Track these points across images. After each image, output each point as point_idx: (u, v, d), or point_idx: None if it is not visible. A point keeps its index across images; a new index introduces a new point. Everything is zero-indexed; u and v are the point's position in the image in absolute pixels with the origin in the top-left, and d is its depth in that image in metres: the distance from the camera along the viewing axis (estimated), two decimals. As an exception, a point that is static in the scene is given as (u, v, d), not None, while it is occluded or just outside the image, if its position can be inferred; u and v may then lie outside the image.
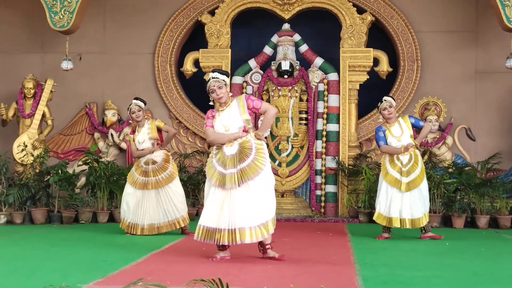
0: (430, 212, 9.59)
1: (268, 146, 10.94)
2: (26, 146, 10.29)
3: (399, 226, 7.99)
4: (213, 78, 6.11)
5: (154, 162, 8.25)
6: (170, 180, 8.25)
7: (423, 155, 10.94)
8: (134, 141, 8.35)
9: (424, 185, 8.06)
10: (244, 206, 5.89)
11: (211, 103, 6.28)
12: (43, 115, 10.80)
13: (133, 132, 8.45)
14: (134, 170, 8.36)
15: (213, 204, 5.99)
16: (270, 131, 11.06)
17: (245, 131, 6.03)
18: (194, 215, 10.48)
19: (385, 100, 8.18)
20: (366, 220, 10.29)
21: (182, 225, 8.31)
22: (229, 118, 6.06)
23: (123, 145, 11.27)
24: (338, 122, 11.05)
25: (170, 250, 6.89)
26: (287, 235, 8.38)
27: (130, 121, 11.36)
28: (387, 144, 8.07)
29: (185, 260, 6.07)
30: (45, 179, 9.99)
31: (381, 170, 8.21)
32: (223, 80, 6.10)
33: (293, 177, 11.13)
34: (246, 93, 11.12)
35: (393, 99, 8.36)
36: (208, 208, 6.00)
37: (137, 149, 8.31)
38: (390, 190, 8.02)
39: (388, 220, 8.01)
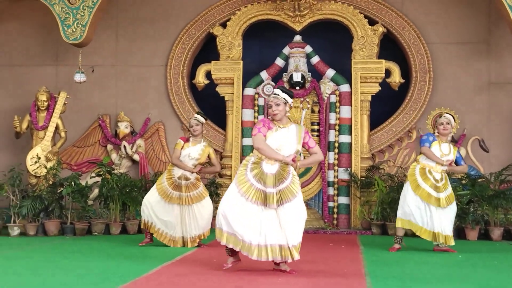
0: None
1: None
2: (39, 158, 10.34)
3: (443, 241, 7.90)
4: (274, 94, 6.13)
5: (187, 179, 8.28)
6: (200, 198, 8.28)
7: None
8: (181, 149, 8.30)
9: (453, 208, 8.01)
10: (283, 225, 5.91)
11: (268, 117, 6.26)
12: (57, 127, 10.86)
13: (187, 140, 8.41)
14: (166, 181, 8.32)
15: (247, 218, 5.92)
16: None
17: (294, 160, 6.00)
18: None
19: (444, 116, 8.15)
20: (379, 232, 10.25)
21: (198, 240, 8.33)
22: (286, 141, 6.04)
23: (136, 157, 11.31)
24: (350, 134, 11.03)
25: (182, 262, 6.88)
26: (301, 247, 8.35)
27: (142, 133, 11.43)
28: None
29: (196, 272, 6.06)
30: (58, 191, 10.02)
31: (408, 179, 8.06)
32: (284, 99, 6.07)
33: (305, 188, 11.10)
34: (258, 105, 11.15)
35: (454, 119, 8.24)
36: (240, 220, 5.92)
37: (179, 158, 8.30)
38: (419, 203, 7.91)
39: (434, 235, 7.91)
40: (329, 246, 8.60)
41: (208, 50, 11.82)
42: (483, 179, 10.18)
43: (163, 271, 6.22)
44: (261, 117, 11.12)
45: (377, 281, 5.61)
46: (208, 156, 8.46)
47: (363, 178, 10.83)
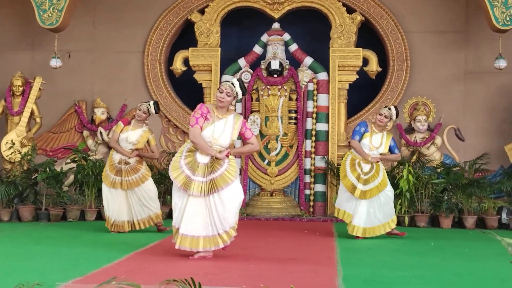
0: (417, 212, 9.69)
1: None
2: (14, 143, 10.25)
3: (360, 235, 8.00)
4: (231, 83, 6.16)
5: (126, 163, 8.28)
6: (142, 181, 8.29)
7: (412, 155, 10.97)
8: (120, 132, 8.30)
9: (384, 195, 8.02)
10: (205, 215, 6.03)
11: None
12: (32, 113, 10.76)
13: (128, 123, 8.41)
14: (108, 169, 8.34)
15: (180, 207, 6.11)
16: (260, 130, 11.04)
17: (227, 155, 6.09)
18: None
19: (388, 109, 8.21)
20: (354, 220, 10.28)
21: (155, 221, 8.37)
22: (222, 132, 6.10)
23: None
24: (328, 122, 11.04)
25: (154, 249, 6.88)
26: (274, 235, 8.40)
27: (119, 119, 11.36)
28: (359, 142, 8.08)
29: (167, 260, 6.06)
30: (33, 177, 9.98)
31: (340, 170, 8.24)
32: (236, 92, 6.12)
33: (282, 176, 11.12)
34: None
35: (397, 115, 8.31)
36: (185, 216, 6.07)
37: (117, 141, 8.29)
38: (349, 196, 8.06)
39: (370, 230, 8.02)
40: (304, 233, 8.63)
41: (186, 37, 11.75)
42: (458, 168, 10.25)
43: (135, 258, 6.21)
44: (238, 104, 11.11)
45: (348, 268, 5.64)
46: (148, 142, 8.46)
47: (339, 166, 10.82)
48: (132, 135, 8.29)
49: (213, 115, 6.13)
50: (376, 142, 8.07)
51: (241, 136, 6.34)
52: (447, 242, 8.04)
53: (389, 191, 8.08)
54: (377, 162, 8.04)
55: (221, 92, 6.11)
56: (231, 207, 6.07)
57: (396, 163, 9.70)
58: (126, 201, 8.27)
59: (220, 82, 11.05)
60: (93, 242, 7.41)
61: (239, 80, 6.25)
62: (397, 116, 8.32)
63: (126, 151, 8.26)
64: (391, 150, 8.21)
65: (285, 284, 4.69)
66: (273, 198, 10.88)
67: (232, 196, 6.08)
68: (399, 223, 9.62)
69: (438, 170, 10.20)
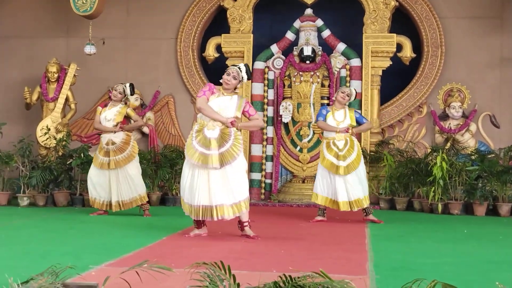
0: (451, 199, 9.59)
1: (289, 132, 10.98)
2: (49, 129, 10.39)
3: (348, 209, 8.19)
4: (238, 68, 6.57)
5: (113, 143, 8.54)
6: (128, 161, 8.53)
7: (446, 141, 10.86)
8: (100, 114, 8.65)
9: (361, 169, 8.27)
10: (222, 186, 6.36)
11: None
12: (67, 99, 10.90)
13: (104, 106, 8.78)
14: (98, 152, 8.67)
15: (198, 183, 6.39)
16: (292, 116, 11.02)
17: (232, 124, 6.42)
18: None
19: (349, 88, 8.54)
20: (387, 207, 10.25)
21: (139, 203, 8.60)
22: (226, 106, 6.47)
23: (145, 130, 11.33)
24: (360, 108, 10.97)
25: (186, 234, 6.92)
26: (305, 221, 8.39)
27: (151, 105, 11.47)
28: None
29: (198, 244, 6.11)
30: (68, 162, 10.10)
31: (320, 157, 8.43)
32: (242, 76, 6.55)
33: (314, 163, 11.07)
34: (268, 79, 11.13)
35: (356, 96, 8.72)
36: (194, 188, 6.40)
37: (100, 122, 8.63)
38: (326, 175, 8.21)
39: (335, 204, 8.21)
40: (335, 220, 8.60)
41: (218, 23, 11.77)
42: (493, 155, 10.12)
43: (167, 242, 6.28)
44: (270, 91, 11.12)
45: (379, 254, 5.63)
46: (128, 116, 8.68)
47: (372, 153, 10.80)
48: (109, 113, 8.65)
49: (219, 92, 6.56)
50: (340, 117, 8.30)
51: (245, 114, 6.65)
52: (480, 229, 7.96)
53: (362, 168, 8.30)
54: (348, 132, 8.24)
55: (228, 75, 6.53)
56: (238, 179, 6.41)
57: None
58: (114, 181, 8.50)
59: (253, 68, 11.07)
60: (125, 226, 7.49)
61: (246, 65, 6.65)
62: (355, 97, 8.74)
63: (109, 127, 8.56)
64: (359, 122, 8.43)
65: (315, 269, 4.68)
66: (305, 185, 10.87)
67: (238, 169, 6.44)
68: (432, 210, 9.58)
69: (473, 157, 10.09)
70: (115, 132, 8.55)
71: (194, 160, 6.37)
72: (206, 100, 6.43)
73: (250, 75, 6.65)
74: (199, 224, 6.63)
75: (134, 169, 8.59)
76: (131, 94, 8.85)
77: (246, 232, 6.54)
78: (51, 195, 9.92)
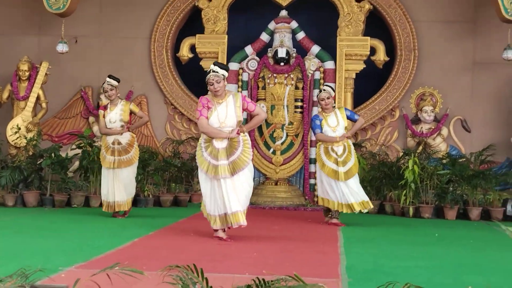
0: (422, 203, 9.66)
1: (262, 134, 10.97)
2: (19, 128, 10.25)
3: (350, 211, 8.23)
4: (213, 71, 6.49)
5: (119, 143, 8.42)
6: (129, 164, 8.44)
7: (417, 145, 10.94)
8: (104, 117, 8.46)
9: (357, 175, 8.39)
10: (236, 193, 6.41)
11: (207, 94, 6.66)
12: (38, 98, 10.76)
13: (104, 108, 8.57)
14: (104, 151, 8.48)
15: (211, 193, 6.51)
16: (265, 119, 11.01)
17: (238, 133, 6.50)
18: (187, 201, 10.49)
19: (324, 90, 8.45)
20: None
21: (127, 208, 8.51)
22: (226, 115, 6.51)
23: (118, 130, 11.22)
24: (334, 111, 10.98)
25: (158, 236, 6.89)
26: (278, 223, 8.40)
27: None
28: (322, 132, 8.30)
29: (171, 246, 6.08)
30: (38, 162, 9.97)
31: (317, 160, 8.45)
32: (222, 75, 6.49)
33: (287, 165, 11.10)
34: (242, 80, 11.10)
35: (333, 89, 8.65)
36: (208, 197, 6.54)
37: (105, 126, 8.44)
38: (329, 180, 8.24)
39: (348, 207, 8.22)
40: (308, 222, 8.61)
41: (193, 24, 11.71)
42: (464, 159, 10.21)
43: (139, 244, 6.22)
44: (244, 92, 11.07)
45: (351, 257, 5.64)
46: (132, 112, 8.56)
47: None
48: (113, 115, 8.45)
49: (214, 102, 6.53)
50: (333, 122, 8.32)
51: (246, 111, 6.78)
52: (451, 233, 8.02)
53: (355, 177, 8.35)
54: (348, 138, 8.32)
55: (211, 85, 6.48)
56: (245, 188, 6.52)
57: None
58: (115, 182, 8.41)
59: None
60: (96, 228, 7.42)
61: (215, 63, 6.62)
62: (334, 91, 8.70)
63: (117, 129, 8.40)
64: (351, 119, 8.50)
65: (289, 272, 4.66)
66: (278, 187, 10.87)
67: (246, 178, 6.54)
68: (403, 213, 9.63)
69: (444, 161, 10.16)
70: (122, 133, 8.42)
71: (208, 173, 6.48)
72: (206, 120, 6.50)
73: (227, 67, 6.72)
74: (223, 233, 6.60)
75: (131, 172, 8.51)
76: (118, 82, 8.61)
77: (219, 235, 6.53)
78: (20, 195, 9.77)
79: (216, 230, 6.55)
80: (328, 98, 8.32)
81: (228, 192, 6.41)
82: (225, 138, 6.48)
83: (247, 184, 6.54)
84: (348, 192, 8.18)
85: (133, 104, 8.68)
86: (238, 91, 11.12)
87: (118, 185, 8.37)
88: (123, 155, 8.38)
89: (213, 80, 6.46)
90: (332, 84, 10.87)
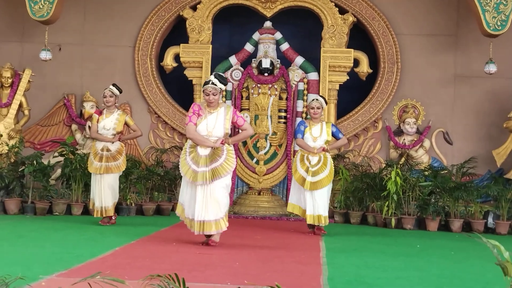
0: (404, 214, 9.71)
1: (246, 144, 10.97)
2: (1, 135, 10.18)
3: (313, 222, 8.36)
4: (212, 83, 6.67)
5: (108, 150, 8.50)
6: (115, 171, 8.54)
7: (400, 157, 11.00)
8: (98, 123, 8.54)
9: (329, 187, 8.49)
10: (208, 202, 6.58)
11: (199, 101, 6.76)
12: (20, 105, 10.70)
13: (100, 113, 8.65)
14: (92, 158, 8.57)
15: (189, 198, 6.69)
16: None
17: (222, 143, 6.68)
18: (170, 210, 10.46)
19: (316, 100, 8.58)
20: (342, 220, 10.31)
21: (112, 214, 8.59)
22: (215, 124, 6.69)
23: (101, 138, 11.19)
24: (317, 122, 11.02)
25: (140, 244, 6.86)
26: (261, 233, 8.40)
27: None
28: (303, 139, 8.45)
29: (152, 255, 6.05)
30: (20, 170, 9.91)
31: (292, 167, 8.72)
32: (220, 88, 6.69)
33: (270, 175, 11.11)
34: (226, 90, 11.09)
35: (325, 100, 8.79)
36: (187, 202, 6.71)
37: (97, 131, 8.52)
38: (299, 187, 8.43)
39: (302, 212, 8.45)
40: (291, 232, 8.62)
41: (177, 33, 11.72)
42: (446, 171, 10.29)
43: (120, 253, 6.19)
44: (228, 102, 11.08)
45: (333, 268, 5.65)
46: (126, 124, 8.69)
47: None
48: (108, 122, 8.54)
49: (205, 111, 6.73)
50: (316, 133, 8.45)
51: (234, 125, 6.94)
52: (432, 244, 8.06)
53: (326, 189, 8.45)
54: (324, 151, 8.41)
55: (207, 95, 6.67)
56: (222, 196, 6.66)
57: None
58: (98, 186, 8.50)
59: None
60: (78, 236, 7.37)
61: (215, 75, 6.82)
62: (326, 103, 8.79)
63: (108, 137, 8.51)
64: (335, 136, 8.59)
65: (270, 282, 4.67)
66: (260, 197, 10.87)
67: (223, 186, 6.69)
68: (386, 224, 9.67)
69: (426, 173, 10.23)
70: (113, 142, 8.48)
71: (188, 177, 6.65)
72: (194, 126, 6.67)
73: (225, 80, 6.85)
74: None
75: (115, 179, 8.60)
76: (120, 92, 8.76)
77: (210, 240, 6.72)
78: (1, 203, 9.71)
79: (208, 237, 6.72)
80: (318, 108, 8.44)
81: (202, 200, 6.58)
82: (209, 147, 6.63)
83: (223, 191, 6.67)
84: (310, 202, 8.31)
85: (129, 117, 8.80)
86: (222, 101, 11.14)
87: (104, 190, 8.44)
88: (111, 161, 8.47)
89: (209, 91, 6.64)
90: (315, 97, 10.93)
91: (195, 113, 6.70)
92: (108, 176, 8.48)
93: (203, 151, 6.64)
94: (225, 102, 10.93)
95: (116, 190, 8.64)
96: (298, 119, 11.07)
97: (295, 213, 8.64)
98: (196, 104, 6.86)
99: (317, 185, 8.30)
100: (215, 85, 6.66)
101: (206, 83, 6.72)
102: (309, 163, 8.35)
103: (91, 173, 8.72)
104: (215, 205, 6.60)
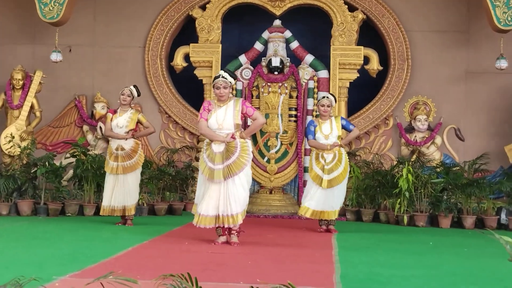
0: (416, 211, 9.67)
1: (256, 143, 10.96)
2: (13, 137, 10.24)
3: (328, 218, 8.37)
4: (222, 77, 6.78)
5: (122, 149, 8.50)
6: (132, 169, 8.53)
7: (411, 154, 10.97)
8: (111, 120, 8.56)
9: (345, 183, 8.44)
10: (230, 196, 6.66)
11: (209, 98, 6.72)
12: (32, 107, 10.76)
13: (114, 112, 8.64)
14: (108, 157, 8.59)
15: (208, 195, 6.71)
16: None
17: (233, 137, 6.70)
18: (182, 210, 10.47)
19: (326, 97, 8.56)
20: (353, 218, 10.30)
21: (132, 213, 8.56)
22: (224, 117, 6.75)
23: (112, 138, 11.24)
24: (328, 120, 11.00)
25: (152, 244, 6.87)
26: (273, 232, 8.39)
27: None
28: (315, 139, 8.38)
29: (164, 255, 6.06)
30: (32, 171, 9.95)
31: (308, 166, 8.59)
32: (230, 82, 6.79)
33: (281, 174, 11.11)
34: (236, 89, 11.10)
35: (335, 98, 8.75)
36: (205, 199, 6.72)
37: (111, 129, 8.54)
38: (314, 186, 8.37)
39: (318, 213, 8.37)
40: (303, 231, 8.61)
41: (187, 33, 11.74)
42: (458, 168, 10.24)
43: (133, 253, 6.20)
44: (239, 101, 11.09)
45: (346, 266, 5.63)
46: (139, 122, 8.68)
47: (339, 164, 10.82)
48: (121, 120, 8.56)
49: (215, 106, 6.82)
50: (326, 130, 8.39)
51: (245, 116, 6.96)
52: (445, 241, 8.03)
53: (344, 183, 8.45)
54: (338, 147, 8.36)
55: (218, 89, 6.77)
56: (239, 192, 6.71)
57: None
58: (115, 186, 8.50)
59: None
60: (91, 237, 7.39)
61: (225, 70, 6.96)
62: (335, 101, 8.75)
63: (121, 134, 8.50)
64: (346, 129, 8.55)
65: (283, 281, 4.66)
66: (272, 196, 10.87)
67: (240, 182, 6.73)
68: (398, 222, 9.65)
69: (438, 169, 10.18)
70: (126, 139, 8.49)
71: (205, 175, 6.75)
72: (205, 122, 6.77)
73: (235, 75, 6.94)
74: (223, 231, 6.85)
75: (134, 179, 8.58)
76: (138, 95, 8.78)
77: (231, 239, 6.78)
78: (14, 204, 9.74)
79: (219, 235, 6.82)
80: (328, 106, 8.43)
81: (221, 196, 6.66)
82: (222, 142, 6.68)
83: (241, 188, 6.72)
84: (325, 200, 8.29)
85: (141, 114, 8.77)
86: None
87: (122, 190, 8.45)
88: (126, 160, 8.47)
89: (220, 85, 6.74)
90: (325, 95, 10.91)
91: (205, 109, 6.82)
92: (127, 177, 8.47)
93: (217, 148, 6.70)
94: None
95: (133, 191, 8.55)
96: (309, 117, 11.05)
97: (307, 216, 8.46)
98: (206, 101, 7.02)
99: (332, 182, 8.28)
100: (225, 78, 6.75)
101: (216, 77, 6.83)
102: (324, 161, 8.31)
103: (105, 175, 8.73)
104: (233, 201, 6.66)
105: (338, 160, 8.32)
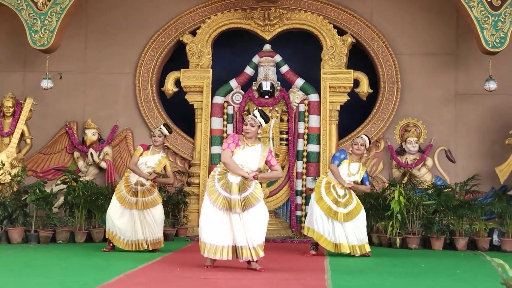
0: (409, 233, 9.67)
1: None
2: (3, 164, 10.20)
3: (348, 251, 8.29)
4: (253, 115, 6.95)
5: (142, 185, 8.45)
6: (154, 204, 8.49)
7: (403, 176, 10.99)
8: (140, 155, 8.47)
9: (362, 214, 8.42)
10: (246, 228, 6.66)
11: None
12: (22, 134, 10.75)
13: (147, 148, 8.56)
14: (123, 188, 8.47)
15: (217, 224, 6.67)
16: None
17: (255, 177, 6.76)
18: (174, 235, 10.43)
19: (361, 137, 8.60)
20: (346, 241, 10.25)
21: (155, 247, 8.48)
22: (251, 158, 6.82)
23: (103, 165, 11.23)
24: (319, 143, 11.06)
25: (144, 270, 6.82)
26: (265, 256, 8.31)
27: (109, 140, 11.36)
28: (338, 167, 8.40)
29: (157, 281, 6.01)
30: (23, 198, 9.89)
31: (315, 191, 8.47)
32: (259, 122, 6.89)
33: (273, 197, 11.10)
34: (227, 113, 11.14)
35: (370, 140, 8.74)
36: (212, 228, 6.68)
37: (136, 164, 8.44)
38: (323, 214, 8.28)
39: (336, 246, 8.28)
40: (295, 254, 8.58)
41: (177, 58, 11.79)
42: (449, 189, 10.26)
43: (124, 280, 6.15)
44: (230, 126, 11.14)
45: (339, 290, 5.61)
46: (164, 168, 8.66)
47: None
48: (151, 160, 8.48)
49: (244, 143, 6.88)
50: (354, 170, 8.45)
51: (266, 163, 6.98)
52: (438, 263, 8.01)
53: (363, 214, 8.44)
54: (350, 189, 8.41)
55: (245, 125, 6.90)
56: (260, 223, 6.73)
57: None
58: (139, 221, 8.42)
59: (212, 103, 11.11)
60: (82, 264, 7.33)
61: (260, 110, 7.01)
62: (370, 143, 8.73)
63: (144, 174, 8.43)
64: (362, 181, 8.58)
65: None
66: (264, 220, 10.81)
67: (261, 213, 6.75)
68: (390, 244, 9.63)
69: (429, 191, 10.20)
70: (147, 179, 8.44)
71: (218, 205, 6.68)
72: (231, 153, 6.78)
73: (267, 118, 6.98)
74: (214, 260, 6.80)
75: (160, 212, 8.54)
76: (170, 133, 8.71)
77: (252, 266, 6.81)
78: (5, 232, 9.67)
79: (214, 260, 6.75)
80: (362, 145, 8.49)
81: (238, 227, 6.65)
82: (242, 176, 6.70)
83: (261, 217, 6.73)
84: (342, 232, 8.24)
85: (169, 163, 8.78)
86: (223, 124, 11.19)
87: (148, 224, 8.41)
88: (147, 196, 8.44)
89: (248, 121, 6.87)
90: (316, 118, 10.96)
91: (234, 141, 6.84)
92: (151, 211, 8.43)
93: (234, 179, 6.72)
94: (226, 125, 11.02)
95: (161, 224, 8.53)
96: (300, 141, 11.09)
97: (311, 237, 8.39)
98: (235, 134, 7.03)
99: (351, 215, 8.29)
100: (255, 117, 6.88)
101: (249, 114, 6.89)
102: (336, 193, 8.31)
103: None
104: (253, 232, 6.67)
105: (350, 197, 8.39)
